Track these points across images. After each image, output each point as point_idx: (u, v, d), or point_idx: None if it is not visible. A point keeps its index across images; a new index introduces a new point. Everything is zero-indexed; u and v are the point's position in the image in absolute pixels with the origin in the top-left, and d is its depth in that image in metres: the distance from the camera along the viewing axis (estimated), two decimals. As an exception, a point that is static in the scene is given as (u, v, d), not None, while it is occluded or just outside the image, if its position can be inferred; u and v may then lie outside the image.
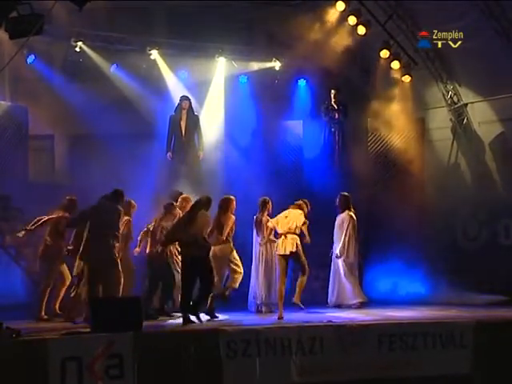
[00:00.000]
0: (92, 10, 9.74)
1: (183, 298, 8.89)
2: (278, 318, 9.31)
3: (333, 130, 12.77)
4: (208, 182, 11.34)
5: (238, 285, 9.73)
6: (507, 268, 11.27)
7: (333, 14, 12.24)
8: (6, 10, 8.43)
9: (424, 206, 10.84)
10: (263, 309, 10.01)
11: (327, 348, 8.05)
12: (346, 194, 10.71)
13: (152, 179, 11.37)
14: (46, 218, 9.35)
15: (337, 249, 10.56)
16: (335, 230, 10.69)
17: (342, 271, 10.57)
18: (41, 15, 8.62)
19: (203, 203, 9.14)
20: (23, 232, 9.34)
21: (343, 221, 10.58)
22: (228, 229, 9.57)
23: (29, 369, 7.02)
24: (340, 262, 10.57)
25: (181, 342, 7.63)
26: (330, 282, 10.68)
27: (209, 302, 9.37)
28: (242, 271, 9.78)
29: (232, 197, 9.77)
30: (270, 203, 10.12)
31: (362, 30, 12.15)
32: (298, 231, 9.62)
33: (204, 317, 9.18)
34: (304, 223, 9.68)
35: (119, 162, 11.42)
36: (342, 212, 10.64)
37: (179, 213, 9.67)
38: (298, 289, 9.67)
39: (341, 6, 12.15)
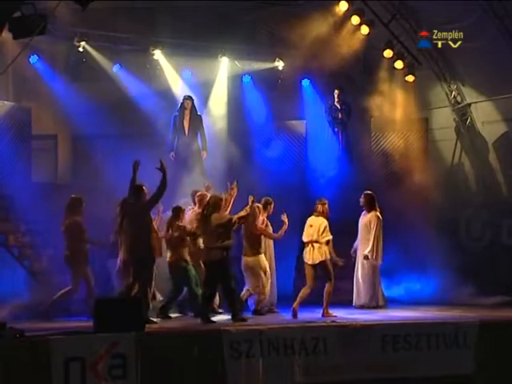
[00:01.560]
0: (95, 10, 9.75)
1: (204, 299, 8.98)
2: (293, 316, 9.32)
3: (336, 129, 12.77)
4: (211, 182, 11.32)
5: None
6: (511, 268, 11.25)
7: (336, 13, 12.23)
8: (10, 10, 8.44)
9: (427, 206, 10.82)
10: (264, 309, 9.97)
11: (330, 348, 8.04)
12: (371, 192, 10.58)
13: (155, 179, 11.35)
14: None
15: (365, 250, 10.37)
16: (360, 229, 10.50)
17: (367, 272, 10.44)
18: (44, 15, 8.63)
19: (212, 206, 9.07)
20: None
21: (370, 221, 10.43)
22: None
23: (32, 369, 7.01)
24: (366, 262, 10.43)
25: (184, 343, 7.63)
26: (355, 283, 10.51)
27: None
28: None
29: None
30: (273, 205, 10.05)
31: (365, 29, 12.14)
32: (322, 240, 9.53)
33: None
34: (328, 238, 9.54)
35: (122, 162, 11.40)
36: (368, 212, 10.47)
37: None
38: (326, 296, 9.52)
39: (344, 5, 12.15)
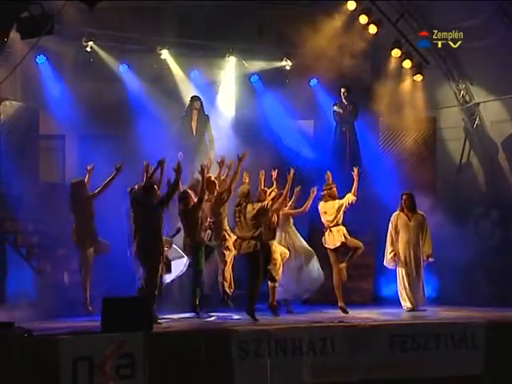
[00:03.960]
0: (102, 10, 9.74)
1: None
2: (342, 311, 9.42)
3: (344, 129, 12.72)
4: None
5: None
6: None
7: (344, 13, 12.21)
8: (17, 10, 8.46)
9: (436, 205, 10.77)
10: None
11: (339, 348, 8.03)
12: (411, 192, 10.42)
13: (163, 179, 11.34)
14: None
15: (425, 251, 10.15)
16: (407, 231, 10.16)
17: (422, 273, 10.21)
18: (51, 15, 8.65)
19: (245, 196, 9.09)
20: None
21: (423, 220, 10.22)
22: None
23: (40, 369, 7.02)
24: (423, 263, 10.20)
25: (192, 342, 7.62)
26: (407, 286, 10.16)
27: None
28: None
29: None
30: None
31: (373, 29, 12.11)
32: (339, 221, 9.62)
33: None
34: (341, 205, 9.64)
35: (129, 162, 11.40)
36: (415, 211, 10.24)
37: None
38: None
39: (352, 5, 12.13)
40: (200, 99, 12.29)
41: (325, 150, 12.73)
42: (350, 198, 9.77)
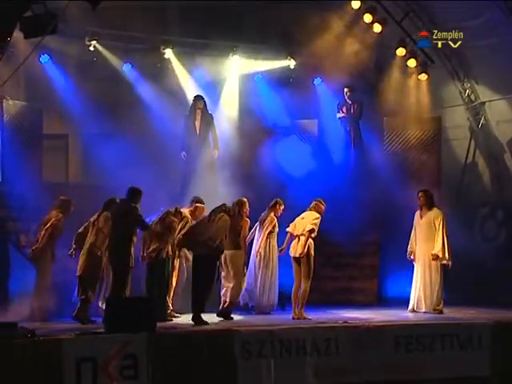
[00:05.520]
0: (106, 9, 9.73)
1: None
2: (293, 318, 9.23)
3: (348, 128, 12.68)
4: (223, 181, 11.27)
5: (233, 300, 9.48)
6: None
7: (348, 12, 12.16)
8: (21, 9, 8.44)
9: (441, 205, 10.71)
10: (254, 309, 9.89)
11: (343, 349, 8.00)
12: (428, 189, 10.28)
13: (166, 179, 11.33)
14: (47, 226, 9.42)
15: (434, 250, 9.88)
16: (421, 229, 10.04)
17: (434, 273, 9.95)
18: (55, 14, 8.64)
19: (225, 208, 9.09)
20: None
21: (434, 218, 10.00)
22: (243, 233, 9.46)
23: (44, 369, 7.01)
24: (434, 263, 9.94)
25: (195, 343, 7.60)
26: (418, 287, 10.04)
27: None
28: (241, 287, 9.54)
29: (244, 199, 9.61)
30: (283, 206, 9.99)
31: (377, 27, 12.05)
32: (308, 234, 9.32)
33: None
34: (312, 227, 9.31)
35: (133, 161, 11.38)
36: (429, 209, 10.10)
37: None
38: (302, 296, 9.29)
39: (356, 4, 12.08)
40: (203, 98, 12.26)
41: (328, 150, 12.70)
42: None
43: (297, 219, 9.63)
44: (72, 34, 11.37)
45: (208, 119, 12.28)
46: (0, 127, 11.15)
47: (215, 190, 10.83)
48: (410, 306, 10.09)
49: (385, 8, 11.99)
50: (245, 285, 9.64)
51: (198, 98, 12.25)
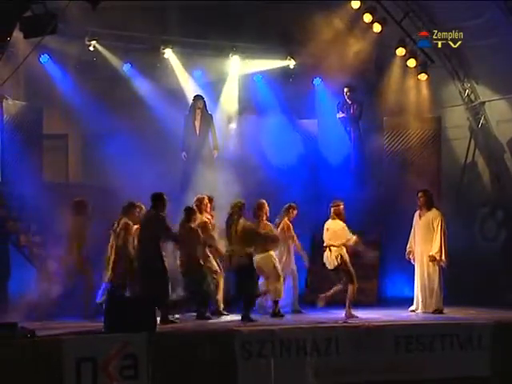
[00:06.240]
0: (105, 9, 9.75)
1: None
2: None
3: (348, 128, 12.68)
4: (222, 181, 11.27)
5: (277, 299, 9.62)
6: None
7: (348, 11, 12.15)
8: (21, 9, 8.45)
9: (440, 205, 10.71)
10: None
11: (343, 349, 8.00)
12: (428, 189, 10.29)
13: (166, 179, 11.33)
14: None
15: (431, 250, 9.88)
16: (419, 229, 10.06)
17: (433, 274, 9.95)
18: (55, 14, 8.66)
19: (235, 212, 9.20)
20: None
21: (433, 219, 9.97)
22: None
23: (44, 369, 7.02)
24: (432, 264, 9.93)
25: (195, 343, 7.60)
26: (419, 287, 10.02)
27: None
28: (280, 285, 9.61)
29: (263, 200, 9.65)
30: (296, 210, 10.02)
31: (377, 27, 12.05)
32: (336, 243, 9.40)
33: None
34: (347, 240, 9.41)
35: (133, 161, 11.39)
36: (428, 210, 10.08)
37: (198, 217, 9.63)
38: (349, 297, 9.36)
39: (356, 3, 12.07)
40: (203, 98, 12.26)
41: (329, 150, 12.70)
42: (353, 239, 9.47)
43: (324, 230, 9.58)
44: (72, 34, 11.37)
45: (208, 119, 12.29)
46: (0, 127, 11.15)
47: (215, 190, 10.82)
48: (412, 307, 10.08)
49: (385, 8, 11.99)
50: (282, 281, 9.65)
51: (197, 97, 12.25)
